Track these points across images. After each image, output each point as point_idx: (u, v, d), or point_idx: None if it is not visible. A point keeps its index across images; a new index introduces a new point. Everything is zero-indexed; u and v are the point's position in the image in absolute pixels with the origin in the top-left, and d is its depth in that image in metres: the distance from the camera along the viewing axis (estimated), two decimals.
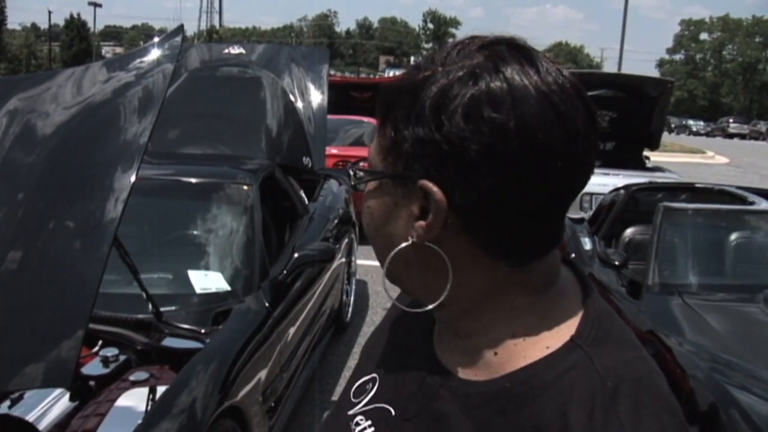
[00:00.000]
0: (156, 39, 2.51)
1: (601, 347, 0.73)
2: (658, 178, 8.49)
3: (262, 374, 3.13)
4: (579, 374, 0.70)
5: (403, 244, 0.76)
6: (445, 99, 0.70)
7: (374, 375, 0.90)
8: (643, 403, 0.69)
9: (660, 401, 0.70)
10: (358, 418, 0.87)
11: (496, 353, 0.76)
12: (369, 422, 0.85)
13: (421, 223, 0.73)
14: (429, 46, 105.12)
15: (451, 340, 0.82)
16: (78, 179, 2.22)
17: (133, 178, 2.11)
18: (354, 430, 0.86)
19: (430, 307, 0.78)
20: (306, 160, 5.34)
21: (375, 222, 0.79)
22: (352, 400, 0.90)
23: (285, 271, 3.69)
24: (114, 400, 2.48)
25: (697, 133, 57.52)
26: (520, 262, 0.74)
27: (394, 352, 0.91)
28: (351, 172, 0.82)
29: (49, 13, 66.90)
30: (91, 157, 2.24)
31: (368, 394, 0.89)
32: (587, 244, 5.30)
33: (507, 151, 0.68)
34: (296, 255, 3.80)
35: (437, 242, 0.73)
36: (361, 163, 0.87)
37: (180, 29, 2.50)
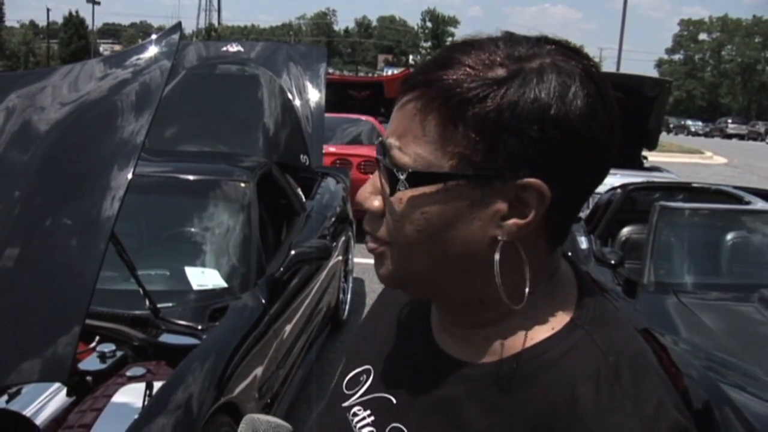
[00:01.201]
0: (154, 36, 2.51)
1: (599, 326, 0.76)
2: (656, 177, 8.50)
3: (259, 371, 3.14)
4: (582, 351, 0.74)
5: (487, 243, 0.73)
6: (561, 96, 0.69)
7: (367, 367, 0.91)
8: (642, 376, 0.72)
9: (656, 374, 0.74)
10: (355, 409, 0.87)
11: (505, 338, 0.78)
12: (368, 411, 0.86)
13: (516, 221, 0.72)
14: (428, 44, 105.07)
15: (457, 329, 0.82)
16: (75, 176, 2.23)
17: (130, 176, 2.11)
18: (352, 420, 0.87)
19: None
20: (303, 158, 5.34)
21: (432, 228, 0.73)
22: (346, 392, 0.90)
23: (282, 269, 3.69)
24: (111, 396, 2.49)
25: (695, 134, 57.57)
26: (557, 246, 0.79)
27: (389, 344, 0.91)
28: (397, 174, 0.73)
29: (48, 10, 66.83)
30: (88, 154, 2.25)
31: (363, 385, 0.89)
32: (583, 243, 5.31)
33: (604, 145, 0.72)
34: (293, 252, 3.81)
35: (518, 239, 0.73)
36: (380, 157, 0.77)
37: (177, 27, 2.50)
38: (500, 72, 0.70)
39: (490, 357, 0.78)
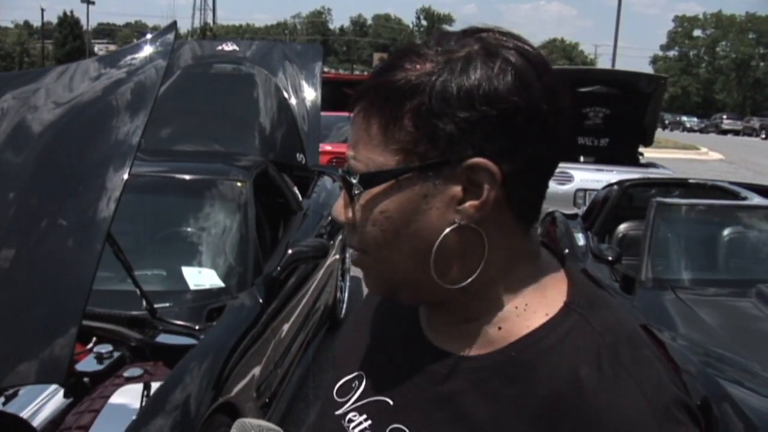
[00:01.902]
0: (149, 36, 2.50)
1: (592, 309, 0.78)
2: (652, 174, 8.50)
3: (256, 370, 3.13)
4: (580, 334, 0.75)
5: (447, 230, 0.74)
6: (488, 75, 0.72)
7: (359, 373, 0.91)
8: (640, 353, 0.75)
9: (651, 351, 0.76)
10: (350, 415, 0.87)
11: (500, 328, 0.78)
12: (364, 416, 0.86)
13: (471, 203, 0.74)
14: None
15: (451, 326, 0.82)
16: (70, 177, 2.22)
17: (125, 176, 2.11)
18: (348, 427, 0.86)
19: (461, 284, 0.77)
20: (300, 156, 5.34)
21: (394, 226, 0.76)
22: (338, 400, 0.90)
23: (279, 268, 3.69)
24: (108, 397, 2.48)
25: (690, 130, 57.65)
26: (530, 224, 0.79)
27: (378, 348, 0.92)
28: (350, 179, 0.77)
29: (42, 10, 66.61)
30: (83, 154, 2.24)
31: (356, 391, 0.89)
32: (581, 239, 5.31)
33: (546, 114, 0.73)
34: (290, 251, 3.80)
35: (478, 222, 0.75)
36: (341, 170, 0.83)
37: (173, 26, 2.50)
38: (428, 66, 0.73)
39: (487, 348, 0.79)
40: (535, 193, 0.78)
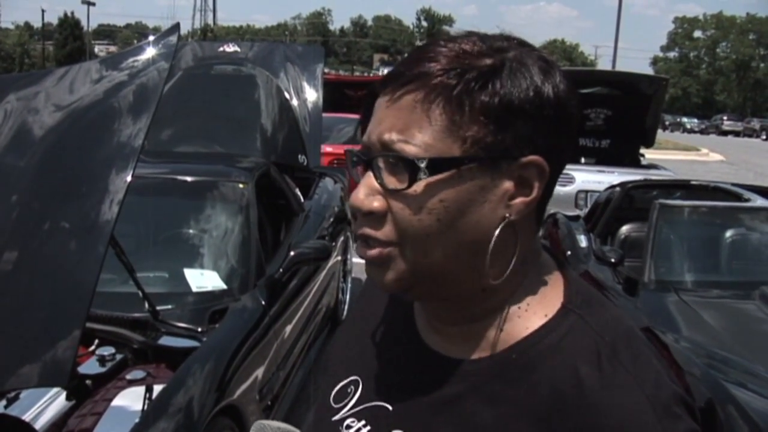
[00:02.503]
0: (151, 38, 2.49)
1: (589, 309, 0.79)
2: (653, 175, 8.50)
3: (259, 372, 3.13)
4: (578, 334, 0.76)
5: (501, 225, 0.75)
6: (552, 80, 0.75)
7: (355, 378, 0.90)
8: (638, 351, 0.76)
9: (648, 349, 0.78)
10: (348, 421, 0.87)
11: (501, 330, 0.79)
12: (363, 422, 0.85)
13: (523, 199, 0.75)
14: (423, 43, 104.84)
15: (452, 326, 0.82)
16: (73, 179, 2.21)
17: (129, 178, 2.10)
18: None
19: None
20: (301, 158, 5.33)
21: (450, 216, 0.73)
22: (334, 406, 0.90)
23: (281, 270, 3.68)
24: (111, 399, 2.48)
25: (691, 131, 57.65)
26: (540, 227, 0.83)
27: (374, 352, 0.91)
28: (417, 162, 0.72)
29: (42, 11, 66.73)
30: (86, 157, 2.23)
31: (353, 396, 0.89)
32: (583, 241, 5.30)
33: (577, 121, 0.78)
34: (292, 253, 3.79)
35: (522, 217, 0.76)
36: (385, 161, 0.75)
37: (175, 28, 2.48)
38: (488, 61, 0.74)
39: (486, 351, 0.79)
40: (550, 194, 0.80)
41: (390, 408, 0.84)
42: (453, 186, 0.73)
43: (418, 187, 0.73)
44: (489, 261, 0.75)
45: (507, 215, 0.74)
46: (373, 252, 0.77)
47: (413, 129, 0.73)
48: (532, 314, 0.78)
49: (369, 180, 0.76)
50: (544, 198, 0.77)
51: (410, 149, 0.72)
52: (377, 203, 0.75)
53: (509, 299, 0.79)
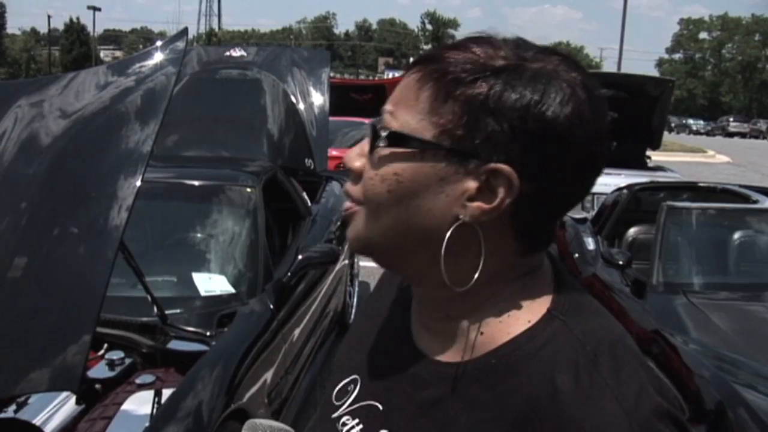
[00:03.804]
0: (159, 43, 2.50)
1: (576, 316, 0.77)
2: (660, 177, 8.49)
3: (268, 376, 3.13)
4: (560, 342, 0.74)
5: (454, 225, 0.74)
6: (550, 98, 0.72)
7: (355, 376, 0.92)
8: (622, 362, 0.73)
9: (636, 358, 0.75)
10: (344, 419, 0.88)
11: (482, 333, 0.78)
12: (356, 420, 0.86)
13: (480, 204, 0.73)
14: (428, 47, 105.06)
15: (436, 325, 0.83)
16: (82, 185, 2.22)
17: (138, 183, 2.10)
18: (341, 430, 0.87)
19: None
20: (308, 161, 5.33)
21: (402, 191, 0.75)
22: (335, 403, 0.91)
23: (289, 273, 3.68)
24: (120, 404, 2.48)
25: (697, 132, 57.57)
26: (533, 251, 0.79)
27: (373, 351, 0.92)
28: (377, 129, 0.77)
29: (49, 17, 66.87)
30: (95, 162, 2.24)
31: (351, 394, 0.90)
32: (590, 244, 5.30)
33: (588, 153, 0.74)
34: (300, 257, 3.80)
35: (480, 224, 0.74)
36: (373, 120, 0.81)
37: (183, 33, 2.49)
38: (500, 63, 0.73)
39: (468, 354, 0.79)
40: (542, 220, 0.77)
41: (380, 407, 0.85)
42: (411, 163, 0.75)
43: (381, 152, 0.76)
44: (444, 259, 0.75)
45: (460, 215, 0.74)
46: (346, 205, 0.82)
47: (402, 104, 0.76)
48: (514, 320, 0.77)
49: (364, 142, 0.81)
50: (527, 216, 0.75)
51: (391, 122, 0.76)
52: (357, 163, 0.80)
53: (487, 303, 0.78)
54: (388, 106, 0.78)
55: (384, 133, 0.76)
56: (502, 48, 0.75)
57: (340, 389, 0.92)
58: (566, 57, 0.76)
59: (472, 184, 0.73)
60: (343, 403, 0.89)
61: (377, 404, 0.85)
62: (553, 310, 0.77)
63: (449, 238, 0.74)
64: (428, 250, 0.76)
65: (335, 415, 0.89)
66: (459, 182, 0.74)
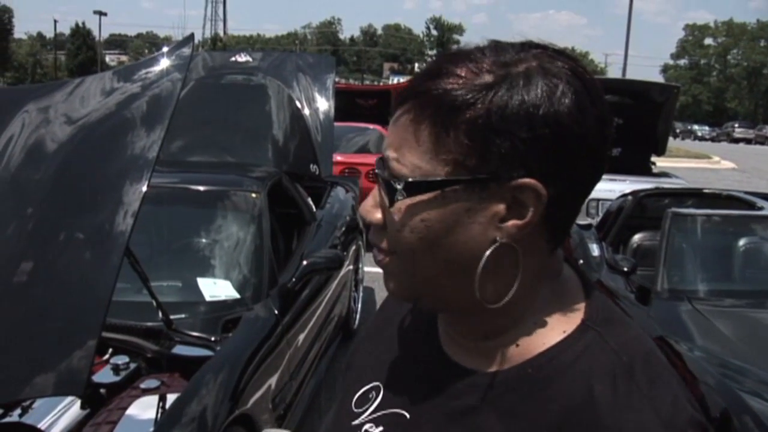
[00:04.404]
0: (165, 49, 2.51)
1: (609, 327, 0.77)
2: (665, 183, 8.47)
3: (272, 381, 3.13)
4: (596, 352, 0.75)
5: (490, 249, 0.73)
6: (549, 96, 0.70)
7: (376, 384, 0.91)
8: (656, 373, 0.74)
9: (668, 371, 0.76)
10: (366, 426, 0.87)
11: (518, 345, 0.78)
12: (380, 428, 0.85)
13: (515, 222, 0.73)
14: (433, 52, 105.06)
15: (469, 340, 0.82)
16: (88, 190, 2.22)
17: (144, 189, 2.11)
18: None
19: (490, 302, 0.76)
20: (313, 167, 5.34)
21: (433, 234, 0.74)
22: (355, 410, 0.90)
23: (294, 279, 3.69)
24: (125, 408, 2.48)
25: (702, 138, 57.38)
26: (557, 246, 0.79)
27: (396, 359, 0.91)
28: (394, 185, 0.74)
29: (55, 22, 67.49)
30: (101, 167, 2.24)
31: (373, 402, 0.89)
32: (595, 250, 5.29)
33: (596, 139, 0.74)
34: (305, 263, 3.80)
35: (516, 241, 0.74)
36: (377, 171, 0.79)
37: (189, 39, 2.50)
38: (488, 78, 0.71)
39: (503, 364, 0.79)
40: (571, 214, 0.77)
41: (407, 415, 0.84)
42: (435, 207, 0.73)
43: (402, 205, 0.74)
44: (479, 281, 0.74)
45: (497, 237, 0.73)
46: (377, 258, 0.80)
47: (404, 148, 0.74)
48: (549, 330, 0.78)
49: (376, 192, 0.79)
50: (559, 217, 0.75)
51: (400, 169, 0.74)
52: (377, 215, 0.78)
53: (523, 316, 0.78)
54: (390, 153, 0.75)
55: (399, 186, 0.74)
56: (482, 60, 0.73)
57: (360, 396, 0.91)
58: (545, 47, 0.75)
59: (500, 206, 0.72)
60: (365, 411, 0.89)
61: (404, 412, 0.84)
62: (587, 320, 0.78)
63: (488, 259, 0.73)
64: (468, 277, 0.75)
65: (356, 422, 0.88)
66: (487, 208, 0.73)
